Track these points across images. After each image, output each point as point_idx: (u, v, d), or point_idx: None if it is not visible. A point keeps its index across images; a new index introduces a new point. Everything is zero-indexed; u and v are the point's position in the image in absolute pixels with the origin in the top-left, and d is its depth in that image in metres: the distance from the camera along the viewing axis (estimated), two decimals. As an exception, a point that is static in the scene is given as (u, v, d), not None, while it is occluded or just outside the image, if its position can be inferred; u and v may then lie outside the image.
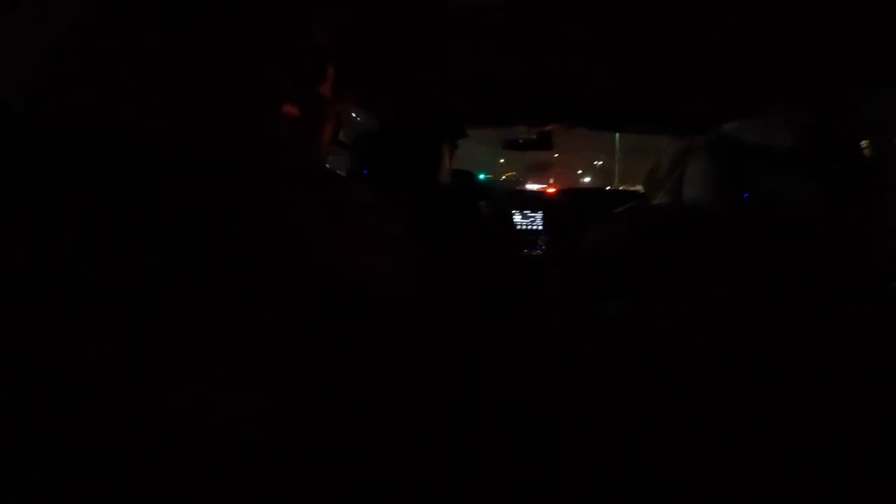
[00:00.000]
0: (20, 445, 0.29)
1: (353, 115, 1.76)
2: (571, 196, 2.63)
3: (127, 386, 0.31)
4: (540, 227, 2.53)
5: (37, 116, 0.35)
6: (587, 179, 26.23)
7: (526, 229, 2.55)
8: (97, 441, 0.30)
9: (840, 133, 1.25)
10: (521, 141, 2.32)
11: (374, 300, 0.40)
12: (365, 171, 0.97)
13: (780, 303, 0.93)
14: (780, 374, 0.85)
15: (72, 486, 0.29)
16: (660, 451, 0.80)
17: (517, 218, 2.54)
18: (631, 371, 0.93)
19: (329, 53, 0.43)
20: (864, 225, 1.25)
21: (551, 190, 3.21)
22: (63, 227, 0.32)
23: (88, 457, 0.30)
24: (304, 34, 0.41)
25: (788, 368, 0.85)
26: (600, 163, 27.91)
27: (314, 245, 0.37)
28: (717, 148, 0.98)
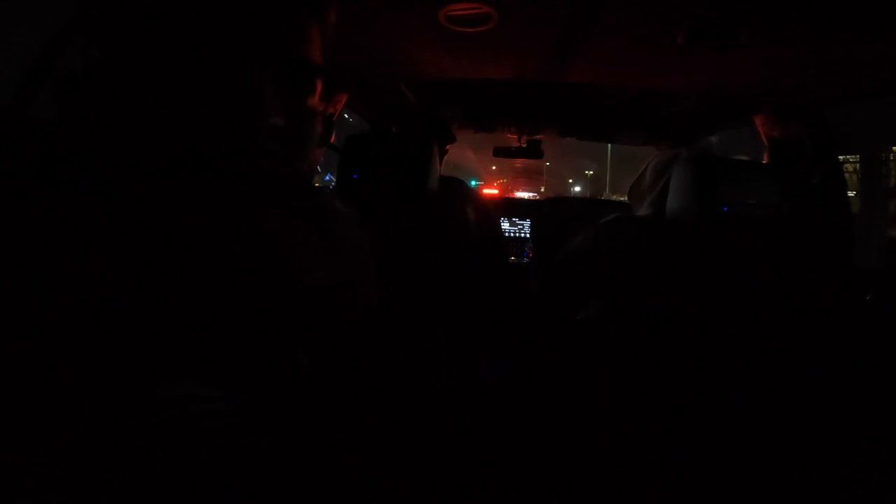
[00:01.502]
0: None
1: (346, 116, 1.77)
2: (559, 205, 2.67)
3: (111, 381, 0.32)
4: (527, 235, 2.55)
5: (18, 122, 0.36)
6: (577, 189, 26.42)
7: (513, 237, 2.57)
8: (81, 436, 0.31)
9: (817, 148, 1.29)
10: (511, 148, 2.34)
11: (339, 307, 0.42)
12: (356, 176, 0.98)
13: (755, 313, 0.96)
14: (755, 379, 0.88)
15: (52, 481, 0.30)
16: (634, 444, 0.82)
17: (505, 225, 2.56)
18: (610, 374, 0.95)
19: (319, 65, 0.44)
20: (840, 239, 1.29)
21: (539, 198, 3.23)
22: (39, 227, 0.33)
23: (70, 452, 0.31)
24: (295, 45, 0.42)
25: (763, 375, 0.88)
26: (591, 172, 28.15)
27: (282, 254, 0.38)
28: (698, 162, 1.01)
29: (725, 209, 0.93)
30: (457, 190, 1.11)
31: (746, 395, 0.83)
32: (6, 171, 0.34)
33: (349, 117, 1.90)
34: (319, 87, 0.44)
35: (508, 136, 2.26)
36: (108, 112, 0.36)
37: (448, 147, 1.47)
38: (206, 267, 0.35)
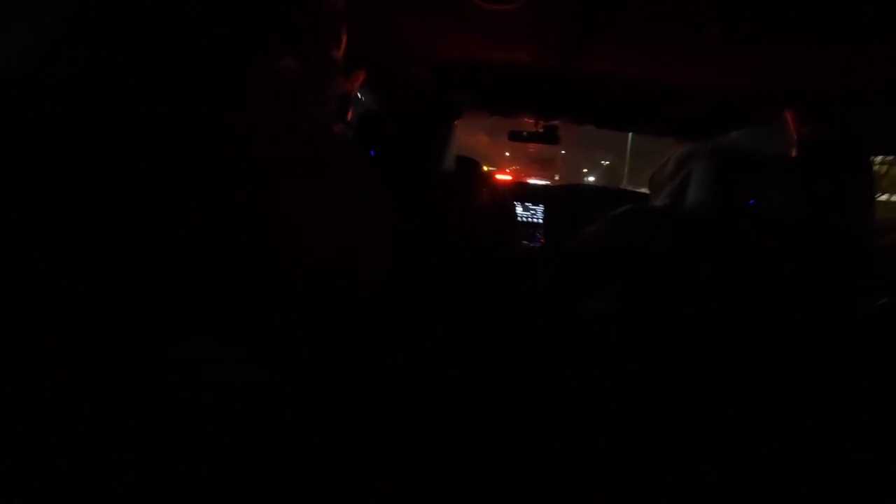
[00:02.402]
0: None
1: (358, 94, 1.76)
2: (573, 192, 2.64)
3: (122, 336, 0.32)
4: (540, 221, 2.54)
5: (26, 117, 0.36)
6: (591, 179, 26.12)
7: (526, 221, 2.56)
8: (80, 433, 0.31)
9: (843, 147, 1.26)
10: (525, 134, 2.30)
11: (355, 283, 0.41)
12: (372, 153, 0.98)
13: (767, 310, 0.94)
14: (763, 378, 0.87)
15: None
16: (637, 445, 0.81)
17: (518, 210, 2.55)
18: (614, 373, 0.94)
19: (343, 15, 0.43)
20: (860, 241, 1.26)
21: (551, 185, 3.22)
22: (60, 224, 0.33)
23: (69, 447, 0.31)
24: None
25: (771, 374, 0.87)
26: (607, 162, 27.77)
27: (296, 231, 0.38)
28: (722, 154, 0.99)
29: (752, 202, 0.91)
30: (472, 171, 1.09)
31: (753, 395, 0.82)
32: (6, 171, 0.34)
33: (362, 97, 1.89)
34: (344, 39, 0.44)
35: (525, 120, 2.22)
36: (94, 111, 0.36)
37: (457, 123, 1.45)
38: (204, 236, 0.35)
